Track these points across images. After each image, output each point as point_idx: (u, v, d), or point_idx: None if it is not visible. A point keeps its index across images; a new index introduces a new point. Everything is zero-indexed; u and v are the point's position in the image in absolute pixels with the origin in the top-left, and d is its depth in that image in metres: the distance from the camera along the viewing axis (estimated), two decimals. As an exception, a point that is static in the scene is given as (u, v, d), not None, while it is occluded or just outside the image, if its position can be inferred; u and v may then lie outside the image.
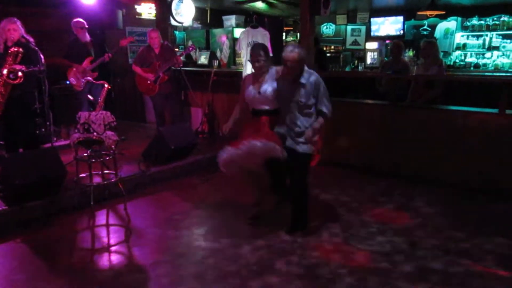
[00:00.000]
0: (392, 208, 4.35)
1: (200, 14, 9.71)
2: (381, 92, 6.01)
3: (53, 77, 6.33)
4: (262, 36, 5.94)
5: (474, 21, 8.68)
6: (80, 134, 4.21)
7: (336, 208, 4.34)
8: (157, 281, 3.06)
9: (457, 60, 8.89)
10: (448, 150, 4.88)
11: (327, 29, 10.85)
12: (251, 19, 6.87)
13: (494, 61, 8.51)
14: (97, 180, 4.47)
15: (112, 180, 4.46)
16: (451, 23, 8.94)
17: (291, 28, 11.82)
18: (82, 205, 4.29)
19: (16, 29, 4.77)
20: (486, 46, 8.62)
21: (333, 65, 9.53)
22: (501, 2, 8.08)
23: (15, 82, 4.68)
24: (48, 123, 5.45)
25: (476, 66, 8.60)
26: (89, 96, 5.77)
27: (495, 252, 3.40)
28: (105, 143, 4.22)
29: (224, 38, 8.65)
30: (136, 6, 8.40)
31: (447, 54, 8.97)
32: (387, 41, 9.36)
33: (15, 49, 4.68)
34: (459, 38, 8.92)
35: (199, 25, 9.97)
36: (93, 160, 4.33)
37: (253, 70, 3.84)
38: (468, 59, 8.82)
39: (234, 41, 8.05)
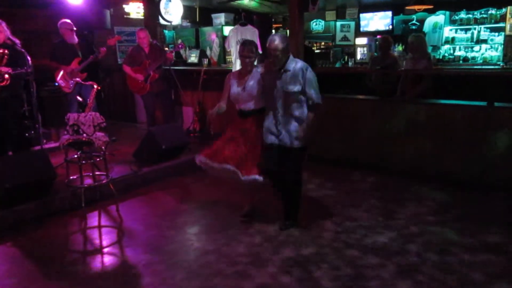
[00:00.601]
0: (382, 202, 4.37)
1: (189, 13, 9.68)
2: (371, 87, 6.03)
3: (41, 78, 6.27)
4: (251, 33, 5.93)
5: (462, 14, 8.74)
6: (70, 135, 4.17)
7: (326, 203, 4.36)
8: (150, 281, 3.05)
9: (446, 54, 8.95)
10: (437, 144, 4.92)
11: (317, 25, 10.85)
12: (240, 17, 6.86)
13: (482, 54, 8.57)
14: (88, 181, 4.44)
15: (103, 182, 4.43)
16: (439, 17, 8.99)
17: (280, 25, 11.81)
18: (74, 207, 4.27)
19: (2, 30, 4.73)
20: (475, 40, 8.68)
21: (323, 61, 9.54)
22: (488, -5, 8.15)
23: (1, 84, 4.64)
24: (37, 125, 5.42)
25: (465, 59, 8.66)
26: (78, 97, 5.72)
27: (486, 244, 3.44)
28: (95, 144, 4.19)
29: (213, 36, 8.63)
30: (124, 6, 8.37)
31: (436, 48, 9.02)
32: (378, 36, 9.40)
33: (1, 51, 4.63)
34: (448, 32, 8.97)
35: (188, 24, 9.94)
36: (84, 161, 4.30)
37: (241, 67, 3.80)
38: (457, 53, 8.87)
39: (223, 39, 8.03)
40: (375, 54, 8.42)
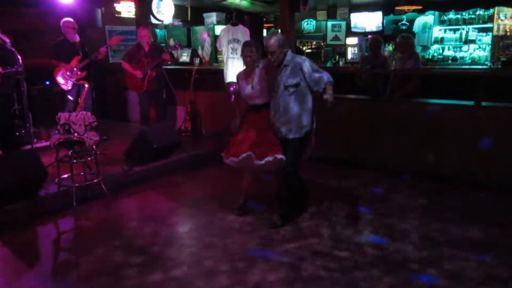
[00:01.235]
0: (374, 201, 4.43)
1: (180, 12, 9.66)
2: (361, 86, 6.09)
3: (32, 78, 6.24)
4: (243, 33, 5.96)
5: (451, 15, 8.85)
6: (60, 135, 4.18)
7: (320, 201, 4.40)
8: (141, 281, 3.07)
9: (436, 54, 9.04)
10: (426, 143, 4.99)
11: (308, 25, 10.90)
12: (231, 17, 6.88)
13: (471, 54, 8.68)
14: (79, 181, 4.43)
15: (95, 181, 4.43)
16: (428, 18, 9.08)
17: (272, 25, 11.85)
18: (65, 206, 4.27)
19: (-9, 29, 4.70)
20: (463, 40, 8.78)
21: (314, 61, 9.58)
22: (476, -5, 8.26)
23: (-8, 83, 4.61)
24: (27, 124, 5.40)
25: (454, 59, 8.76)
26: (69, 97, 5.71)
27: (473, 239, 3.51)
28: (86, 143, 4.19)
29: (205, 36, 8.63)
30: (115, 5, 8.33)
31: (425, 48, 9.12)
32: (369, 36, 9.47)
33: (-10, 50, 4.61)
34: (437, 32, 9.07)
35: (180, 23, 9.92)
36: (75, 161, 4.31)
37: (245, 67, 4.00)
38: (446, 53, 8.97)
39: (215, 38, 8.04)
40: (366, 54, 8.49)
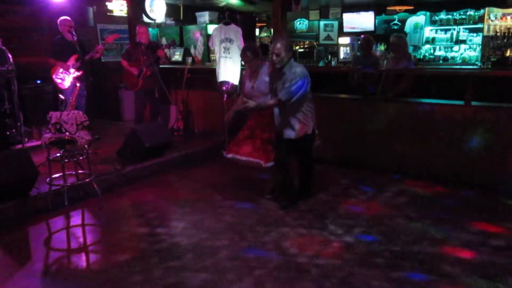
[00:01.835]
0: (365, 199, 4.47)
1: (173, 11, 9.65)
2: (353, 86, 6.13)
3: (24, 76, 6.21)
4: (235, 32, 5.96)
5: (442, 15, 8.93)
6: (52, 134, 4.16)
7: (310, 199, 4.43)
8: (133, 280, 3.07)
9: (427, 54, 9.12)
10: (417, 142, 5.03)
11: (300, 24, 10.93)
12: (224, 16, 6.89)
13: (461, 54, 8.77)
14: (71, 180, 4.42)
15: (87, 180, 4.42)
16: (420, 18, 9.16)
17: (264, 24, 11.86)
18: (56, 206, 4.24)
19: (-18, 28, 4.67)
20: (454, 40, 8.87)
21: (307, 60, 9.62)
22: (467, -4, 8.35)
23: (-18, 82, 4.58)
24: (18, 123, 5.37)
25: (445, 59, 8.84)
26: (60, 96, 5.68)
27: (461, 239, 3.57)
28: (78, 142, 4.18)
29: (198, 35, 8.63)
30: (107, 3, 8.29)
31: (417, 48, 9.19)
32: (362, 36, 9.53)
33: (-19, 49, 4.58)
34: (428, 32, 9.15)
35: (172, 22, 9.91)
36: (66, 160, 4.29)
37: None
38: (437, 53, 9.05)
39: (208, 37, 8.04)
40: (358, 53, 8.54)
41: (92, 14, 7.90)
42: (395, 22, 9.53)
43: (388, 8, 8.93)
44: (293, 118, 3.99)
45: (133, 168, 5.20)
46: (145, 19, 8.11)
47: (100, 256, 3.46)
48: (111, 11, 8.36)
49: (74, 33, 5.93)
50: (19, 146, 5.33)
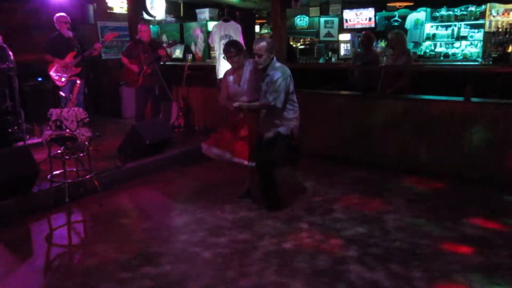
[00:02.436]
0: (365, 196, 4.48)
1: (173, 8, 9.66)
2: (353, 83, 6.13)
3: (24, 74, 6.22)
4: (234, 29, 5.97)
5: (443, 11, 8.92)
6: (52, 131, 4.18)
7: (310, 196, 4.45)
8: (134, 275, 3.09)
9: (428, 50, 9.12)
10: (416, 138, 5.04)
11: (301, 21, 10.94)
12: (223, 13, 6.89)
13: (462, 50, 8.76)
14: (72, 177, 4.44)
15: (87, 177, 4.44)
16: (420, 14, 9.15)
17: (265, 21, 11.86)
18: (57, 202, 4.27)
19: (-18, 26, 4.68)
20: (455, 36, 8.86)
21: (307, 57, 9.63)
22: (468, -8, 8.32)
23: (-17, 80, 4.59)
24: (20, 120, 5.39)
25: (446, 55, 8.83)
26: (61, 93, 5.70)
27: (460, 235, 3.58)
28: (78, 139, 4.19)
29: (198, 32, 8.63)
30: (107, 0, 8.30)
31: (417, 44, 9.19)
32: (362, 32, 9.52)
33: (-18, 47, 4.59)
34: (429, 28, 9.14)
35: (173, 19, 9.91)
36: (67, 157, 4.31)
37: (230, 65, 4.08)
38: (438, 49, 9.05)
39: (208, 34, 8.05)
40: (359, 50, 8.54)
41: (93, 12, 7.91)
42: (396, 18, 9.53)
43: (388, 4, 8.91)
44: (277, 118, 3.96)
45: (133, 165, 5.22)
46: (145, 16, 8.12)
47: (100, 252, 3.47)
48: (111, 8, 8.37)
49: (70, 29, 5.94)
50: (21, 143, 5.35)
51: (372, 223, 3.81)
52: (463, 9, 8.65)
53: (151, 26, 9.27)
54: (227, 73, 4.17)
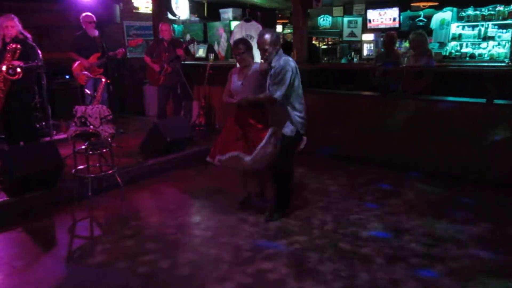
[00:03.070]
0: (382, 197, 4.46)
1: (197, 8, 9.79)
2: (375, 83, 6.08)
3: (52, 72, 6.46)
4: (255, 29, 6.03)
5: (470, 11, 8.73)
6: (77, 127, 4.33)
7: (326, 196, 4.46)
8: (153, 270, 3.19)
9: (453, 51, 8.95)
10: (437, 140, 4.98)
11: (324, 21, 10.90)
12: (245, 13, 6.95)
13: (489, 51, 8.56)
14: (95, 172, 4.60)
15: (110, 172, 4.59)
16: (446, 14, 8.98)
17: (287, 21, 11.86)
18: (81, 196, 4.43)
19: (14, 25, 4.87)
20: (482, 36, 8.66)
21: (329, 57, 9.60)
22: (496, -9, 8.12)
23: (14, 78, 4.79)
24: (47, 117, 5.60)
25: (472, 56, 8.65)
26: (87, 90, 5.88)
27: (476, 237, 3.53)
28: (102, 136, 4.34)
29: (221, 31, 8.72)
30: (133, 0, 8.49)
31: (443, 44, 9.03)
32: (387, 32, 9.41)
33: (13, 46, 4.78)
34: (455, 28, 8.97)
35: (197, 19, 10.05)
36: (91, 152, 4.46)
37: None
38: (464, 50, 8.87)
39: (231, 34, 8.13)
40: (382, 50, 8.46)
41: (119, 11, 8.12)
42: (421, 18, 9.38)
43: (412, 4, 8.78)
44: (281, 117, 3.78)
45: (154, 162, 5.34)
46: (170, 15, 8.27)
47: (120, 245, 3.59)
48: (137, 8, 8.56)
49: (95, 28, 6.12)
50: (47, 138, 5.56)
51: (388, 223, 3.80)
52: (490, 8, 8.45)
53: (176, 25, 9.47)
54: (233, 71, 4.11)
